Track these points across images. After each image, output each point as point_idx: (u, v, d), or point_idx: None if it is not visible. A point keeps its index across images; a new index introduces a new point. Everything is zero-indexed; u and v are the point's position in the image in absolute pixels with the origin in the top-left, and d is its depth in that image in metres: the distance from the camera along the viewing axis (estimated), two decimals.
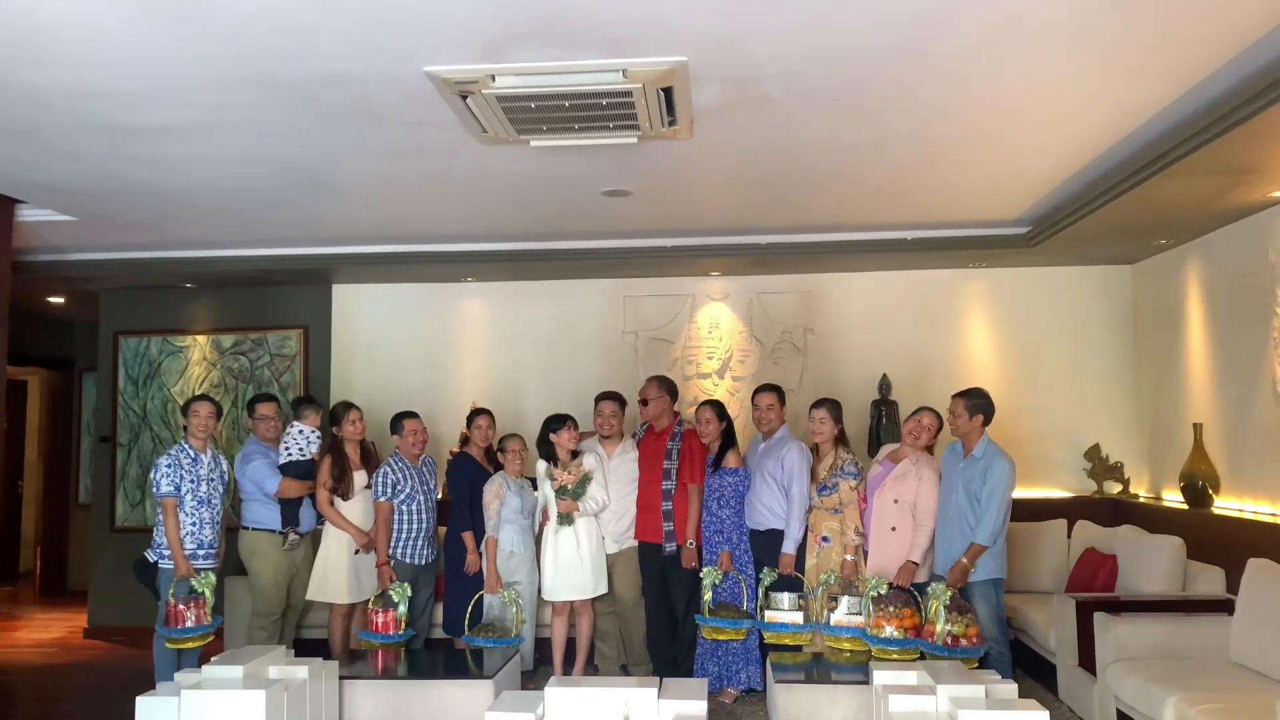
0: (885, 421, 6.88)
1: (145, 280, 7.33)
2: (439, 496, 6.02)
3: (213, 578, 5.10)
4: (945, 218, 6.19)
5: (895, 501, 5.16)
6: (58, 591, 9.79)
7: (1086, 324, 7.08)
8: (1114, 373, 7.02)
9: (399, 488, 5.59)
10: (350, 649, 5.60)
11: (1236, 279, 5.54)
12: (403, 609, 5.27)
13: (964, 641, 4.60)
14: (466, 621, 5.40)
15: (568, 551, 5.45)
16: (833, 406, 5.42)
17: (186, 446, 5.34)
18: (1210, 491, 5.65)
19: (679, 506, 5.48)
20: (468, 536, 5.64)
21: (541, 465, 5.57)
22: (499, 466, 5.74)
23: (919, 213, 6.04)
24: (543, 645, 5.80)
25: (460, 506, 5.70)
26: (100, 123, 4.16)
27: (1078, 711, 4.90)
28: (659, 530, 5.50)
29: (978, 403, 5.07)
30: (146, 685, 4.50)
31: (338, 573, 5.59)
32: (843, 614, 4.94)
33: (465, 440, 6.06)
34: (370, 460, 5.80)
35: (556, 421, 5.57)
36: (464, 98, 3.84)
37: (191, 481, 5.26)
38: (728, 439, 5.52)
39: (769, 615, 5.09)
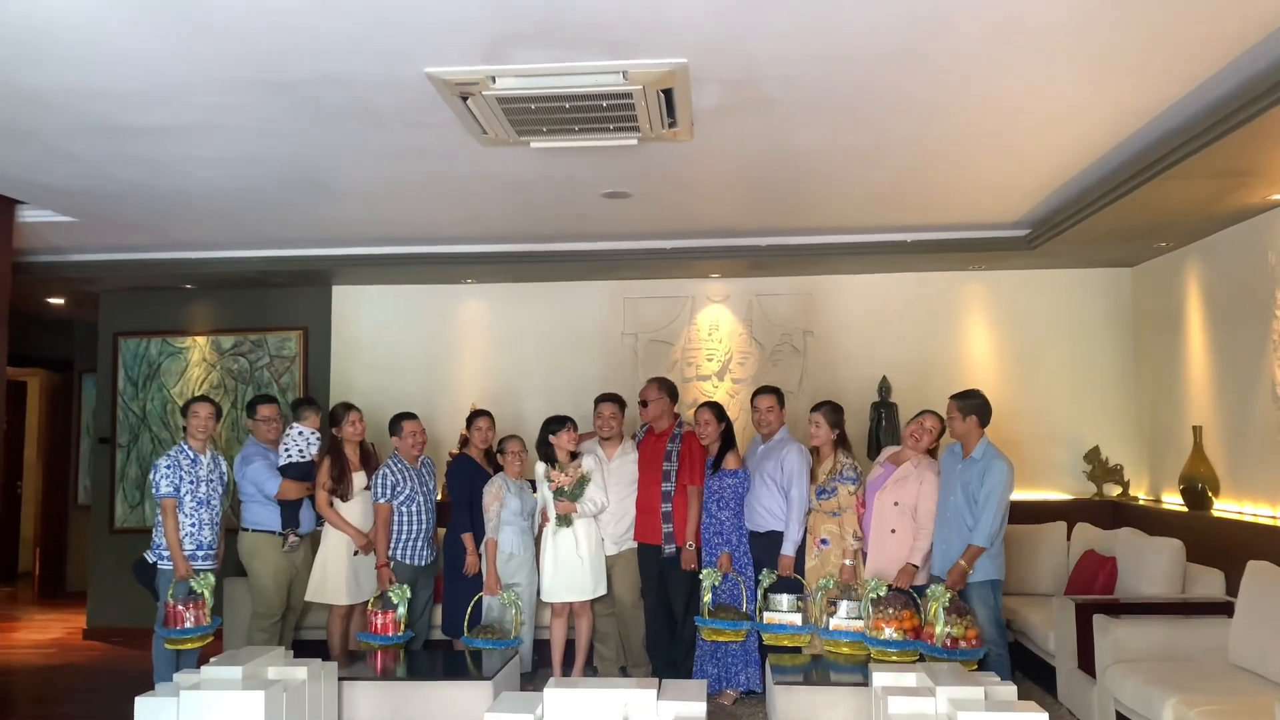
0: (885, 424, 6.88)
1: (145, 281, 7.34)
2: (438, 498, 6.01)
3: (212, 579, 5.10)
4: (945, 220, 6.19)
5: (895, 504, 5.16)
6: (56, 592, 9.78)
7: (1086, 326, 7.08)
8: (1114, 375, 7.02)
9: (398, 489, 5.59)
10: (349, 650, 5.60)
11: (1236, 281, 5.54)
12: (402, 610, 5.27)
13: (963, 643, 4.60)
14: (465, 623, 5.40)
15: (567, 553, 5.45)
16: (831, 410, 5.41)
17: (186, 447, 5.34)
18: (1210, 494, 5.65)
19: (678, 508, 5.48)
20: (467, 538, 5.64)
21: (540, 467, 5.57)
22: (498, 468, 5.75)
23: (919, 215, 6.05)
24: (542, 647, 5.80)
25: (460, 508, 5.70)
26: (100, 123, 4.16)
27: (1077, 714, 4.90)
28: (658, 532, 5.50)
29: (971, 403, 5.07)
30: (145, 686, 4.49)
31: (336, 574, 5.59)
32: (841, 618, 4.94)
33: (465, 442, 6.06)
34: (370, 461, 5.80)
35: (555, 423, 5.57)
36: (464, 99, 3.84)
37: (191, 482, 5.26)
38: (727, 441, 5.52)
39: (768, 617, 5.09)
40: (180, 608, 4.97)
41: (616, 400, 5.77)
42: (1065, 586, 5.81)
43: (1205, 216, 5.38)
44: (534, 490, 5.70)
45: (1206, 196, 4.95)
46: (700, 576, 5.26)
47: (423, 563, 5.69)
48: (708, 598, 5.16)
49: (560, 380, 7.29)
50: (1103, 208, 5.22)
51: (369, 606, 5.38)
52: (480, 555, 5.60)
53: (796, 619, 5.07)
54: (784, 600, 5.09)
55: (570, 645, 5.64)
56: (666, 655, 5.56)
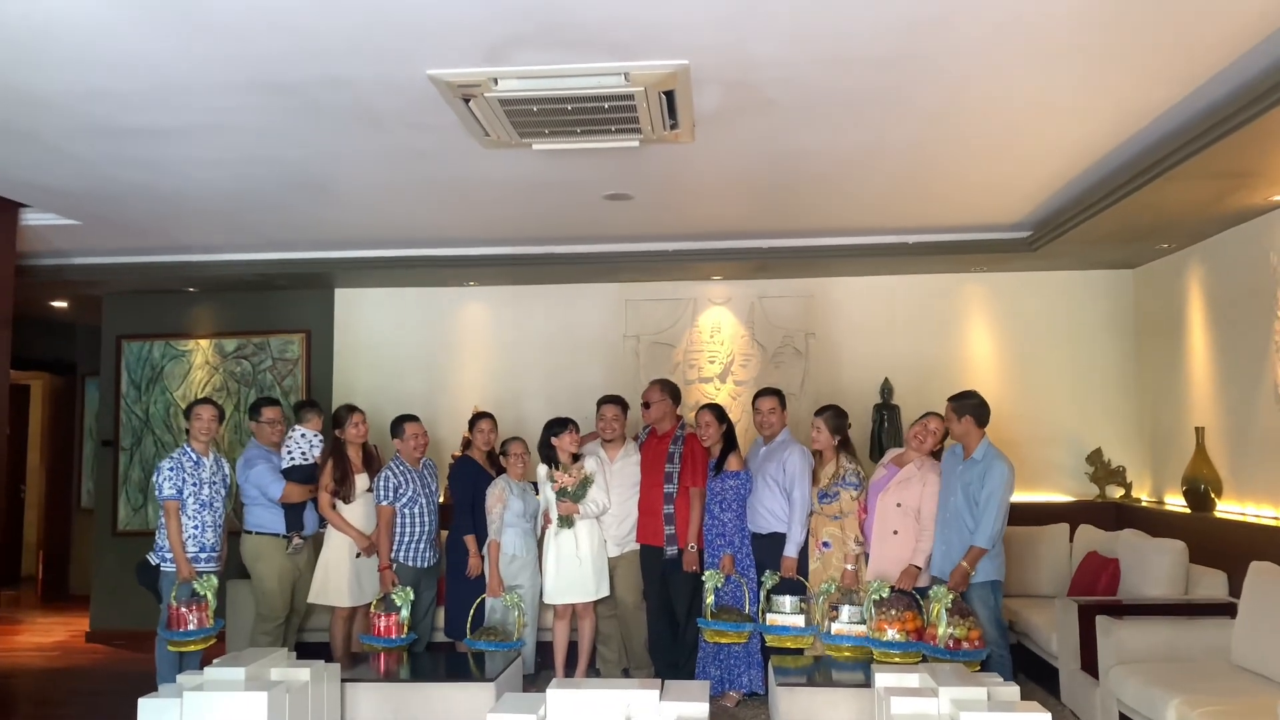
0: (887, 426, 6.89)
1: (148, 284, 7.36)
2: (440, 500, 6.02)
3: (215, 581, 5.11)
4: (947, 222, 6.19)
5: (898, 505, 5.15)
6: (59, 595, 9.79)
7: (1088, 328, 7.08)
8: (1116, 377, 7.02)
9: (400, 491, 5.60)
10: (352, 652, 5.61)
11: (1238, 283, 5.54)
12: (405, 612, 5.27)
13: (966, 645, 4.60)
14: (468, 625, 5.40)
15: (569, 555, 5.45)
16: (834, 416, 5.39)
17: (189, 450, 5.34)
18: (1212, 495, 5.65)
19: (681, 510, 5.48)
20: (470, 540, 5.64)
21: (542, 469, 5.57)
22: (501, 470, 5.75)
23: (920, 217, 6.05)
24: (544, 649, 5.80)
25: (462, 510, 5.71)
26: (101, 124, 4.17)
27: (1080, 715, 4.89)
28: (660, 533, 5.50)
29: (966, 404, 5.07)
30: (148, 688, 4.50)
31: (339, 576, 5.59)
32: (843, 623, 4.95)
33: (467, 444, 6.07)
34: (372, 463, 5.80)
35: (557, 425, 5.57)
36: (466, 101, 3.85)
37: (194, 485, 5.26)
38: (729, 442, 5.52)
39: (771, 618, 5.09)
40: (183, 610, 4.97)
41: (619, 402, 5.78)
42: (1068, 588, 5.81)
43: (1207, 218, 5.38)
44: (536, 492, 5.70)
45: (1208, 198, 4.95)
46: (702, 578, 5.26)
47: (425, 564, 5.70)
48: (710, 599, 5.16)
49: (562, 382, 7.30)
50: (1104, 209, 5.22)
51: (372, 609, 5.39)
52: (483, 557, 5.60)
53: (799, 620, 5.07)
54: (787, 602, 5.09)
55: (573, 647, 5.65)
56: (669, 657, 5.56)
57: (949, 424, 5.11)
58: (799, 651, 5.15)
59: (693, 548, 5.42)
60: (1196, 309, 6.04)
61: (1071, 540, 6.20)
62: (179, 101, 3.91)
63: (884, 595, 4.82)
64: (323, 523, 5.68)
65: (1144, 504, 6.62)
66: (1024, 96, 3.98)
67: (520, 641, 5.39)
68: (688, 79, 3.70)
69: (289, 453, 5.66)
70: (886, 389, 7.00)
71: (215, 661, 4.45)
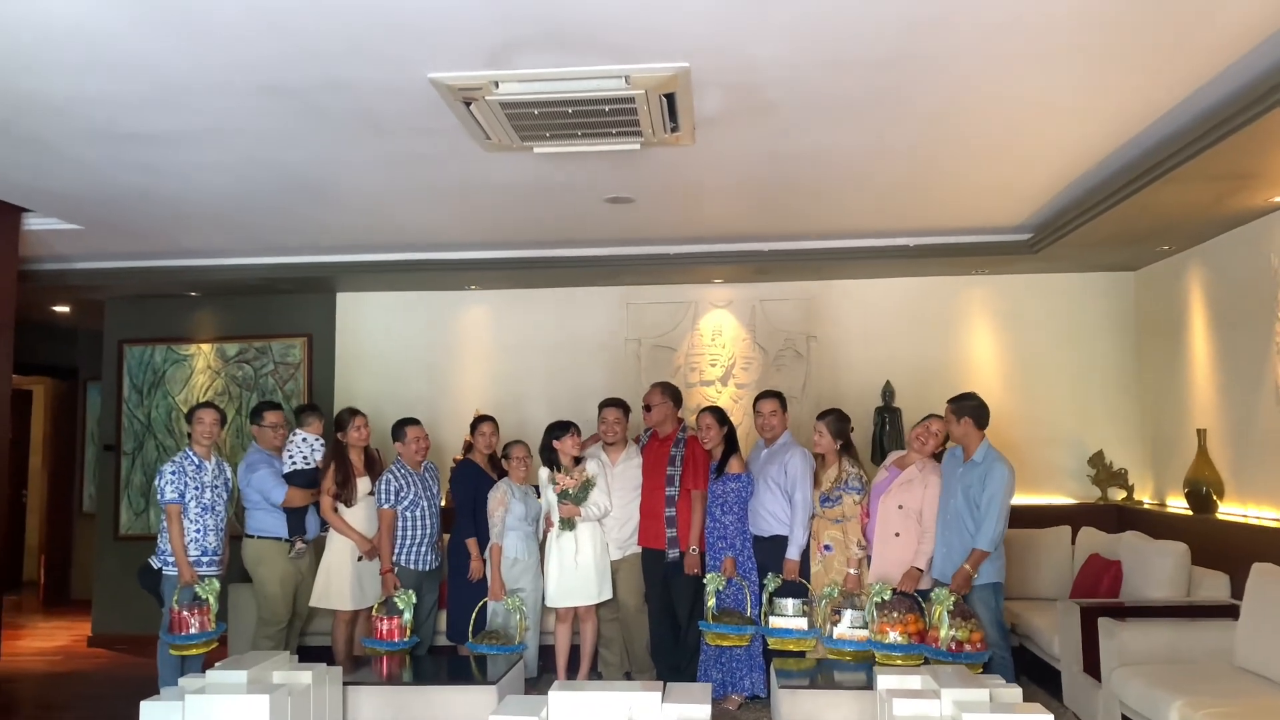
0: (889, 428, 6.88)
1: (150, 289, 7.37)
2: (442, 503, 6.02)
3: (217, 584, 5.11)
4: (947, 224, 6.20)
5: (900, 507, 5.15)
6: (61, 600, 9.79)
7: (1089, 330, 7.08)
8: (1117, 379, 7.02)
9: (402, 494, 5.60)
10: (354, 655, 5.60)
11: (1239, 284, 5.54)
12: (408, 616, 5.27)
13: (968, 647, 4.60)
14: (470, 628, 5.40)
15: (571, 558, 5.45)
16: (836, 420, 5.38)
17: (191, 453, 5.34)
18: (1214, 497, 5.64)
19: (682, 512, 5.47)
20: (471, 543, 5.64)
21: (544, 472, 5.57)
22: (502, 473, 5.75)
23: (921, 219, 6.06)
24: (546, 652, 5.80)
25: (464, 513, 5.71)
26: (103, 129, 4.18)
27: (1082, 717, 4.89)
28: (662, 536, 5.49)
29: (965, 406, 5.07)
30: (150, 692, 4.49)
31: (341, 579, 5.59)
32: (845, 628, 4.95)
33: (469, 447, 6.07)
34: (374, 467, 5.81)
35: (559, 428, 5.57)
36: (468, 104, 3.86)
37: (196, 488, 5.26)
38: (730, 445, 5.52)
39: (774, 621, 5.09)
40: (185, 613, 4.98)
41: (620, 405, 5.78)
42: (1070, 590, 5.81)
43: (1207, 220, 5.38)
44: (538, 495, 5.70)
45: (1208, 200, 4.96)
46: (704, 581, 5.26)
47: (427, 568, 5.70)
48: (712, 602, 5.16)
49: (563, 385, 7.30)
50: (1104, 211, 5.23)
51: (374, 612, 5.39)
52: (485, 561, 5.60)
53: (802, 623, 5.07)
54: (789, 604, 5.09)
55: (575, 650, 5.64)
56: (671, 660, 5.55)
57: (948, 426, 5.11)
58: (801, 654, 5.15)
59: (694, 550, 5.42)
60: (1197, 311, 6.04)
61: (1073, 543, 6.20)
62: (180, 105, 3.92)
63: (886, 598, 4.82)
64: (324, 526, 5.68)
65: (1146, 506, 6.62)
66: (1024, 98, 3.98)
67: (522, 645, 5.39)
68: (688, 81, 3.71)
69: (290, 457, 5.67)
70: (888, 391, 7.00)
71: (217, 665, 4.44)
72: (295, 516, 5.59)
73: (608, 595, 5.56)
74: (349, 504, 5.63)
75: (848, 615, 4.95)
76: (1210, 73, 3.71)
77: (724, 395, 7.28)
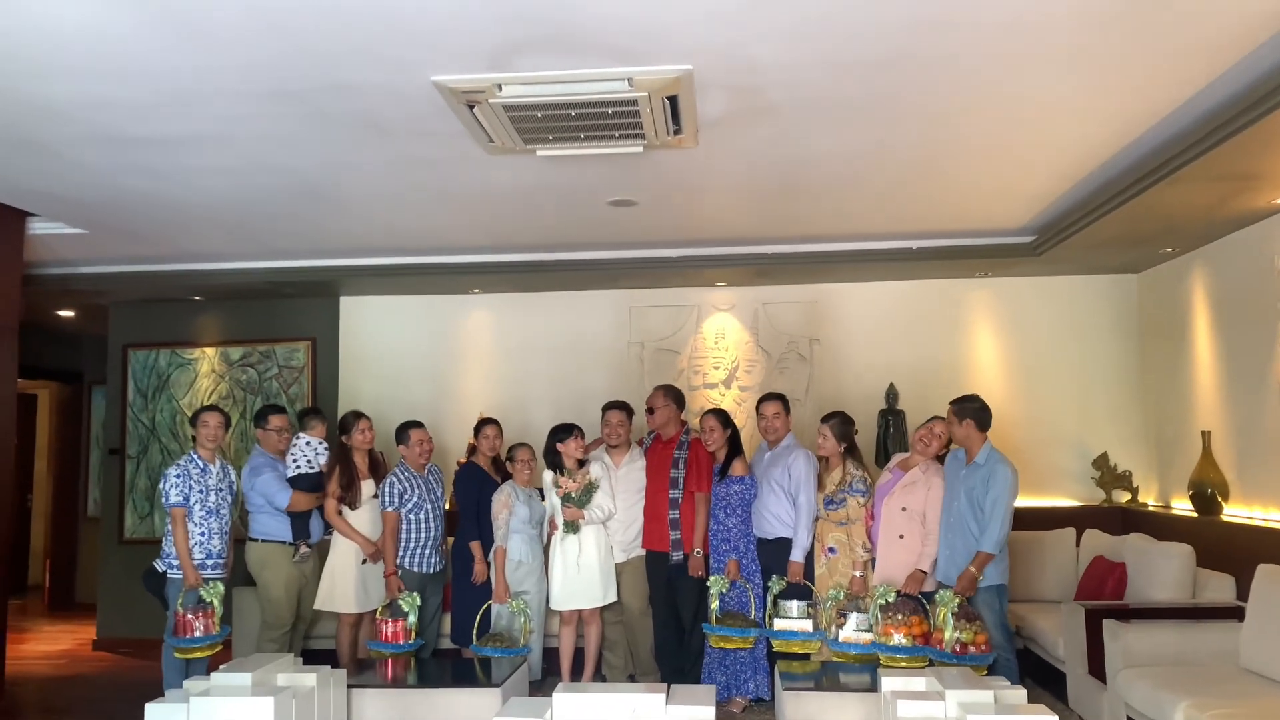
0: (892, 431, 6.88)
1: (154, 293, 7.39)
2: (446, 506, 6.02)
3: (221, 588, 5.12)
4: (950, 227, 6.20)
5: (904, 509, 5.15)
6: (66, 604, 9.79)
7: (1093, 332, 7.07)
8: (1121, 381, 7.01)
9: (405, 497, 5.60)
10: (358, 658, 5.61)
11: (1242, 286, 5.53)
12: (412, 618, 5.27)
13: (972, 649, 4.60)
14: (474, 631, 5.40)
15: (575, 560, 5.45)
16: (841, 422, 5.38)
17: (195, 457, 5.35)
18: (1219, 499, 5.63)
19: (686, 515, 5.48)
20: (475, 546, 5.64)
21: (548, 474, 5.57)
22: (506, 476, 5.75)
23: (924, 222, 6.06)
24: (551, 655, 5.80)
25: (468, 516, 5.71)
26: (108, 133, 4.20)
27: (1087, 719, 4.88)
28: (666, 539, 5.50)
29: (967, 408, 5.07)
30: (155, 695, 4.48)
31: (345, 582, 5.60)
32: (850, 630, 4.95)
33: (472, 450, 6.07)
34: (378, 470, 5.82)
35: (563, 431, 5.58)
36: (471, 107, 3.87)
37: (200, 492, 5.27)
38: (734, 447, 5.52)
39: (778, 623, 5.09)
40: (190, 617, 4.98)
41: (624, 408, 5.78)
42: (1075, 592, 5.80)
43: (1210, 221, 5.38)
44: (542, 498, 5.70)
45: (1212, 201, 4.95)
46: (708, 583, 5.26)
47: (431, 570, 5.70)
48: (715, 604, 5.15)
49: (567, 388, 7.30)
50: (1108, 213, 5.22)
51: (378, 615, 5.39)
52: (489, 563, 5.60)
53: (807, 625, 5.07)
54: (794, 606, 5.10)
55: (579, 653, 5.64)
56: (675, 662, 5.55)
57: (950, 428, 5.12)
58: (805, 656, 5.15)
59: (698, 553, 5.42)
60: (1201, 313, 6.03)
61: (1078, 545, 6.20)
62: (185, 110, 3.93)
63: (890, 600, 4.82)
64: (328, 529, 5.69)
65: (1150, 508, 6.61)
66: (1026, 99, 3.98)
67: (526, 648, 5.38)
68: (691, 84, 3.71)
69: (294, 461, 5.68)
70: (891, 394, 6.99)
71: (222, 667, 4.45)
72: (299, 520, 5.60)
73: (612, 598, 5.56)
74: (353, 507, 5.63)
75: (853, 618, 4.95)
76: (1213, 73, 3.71)
77: (727, 398, 7.28)
